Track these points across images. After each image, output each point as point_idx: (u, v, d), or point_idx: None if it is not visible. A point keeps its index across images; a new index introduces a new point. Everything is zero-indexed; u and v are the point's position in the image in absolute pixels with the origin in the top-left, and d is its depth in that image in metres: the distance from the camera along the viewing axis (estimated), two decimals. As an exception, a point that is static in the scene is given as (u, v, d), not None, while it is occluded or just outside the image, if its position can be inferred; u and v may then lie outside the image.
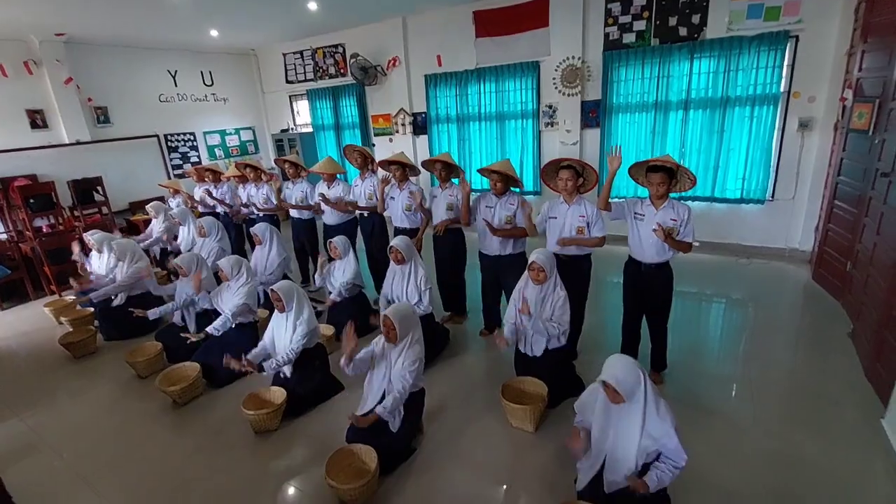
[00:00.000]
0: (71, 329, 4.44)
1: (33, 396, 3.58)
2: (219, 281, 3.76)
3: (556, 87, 6.05)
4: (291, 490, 2.52)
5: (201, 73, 8.29)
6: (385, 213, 4.32)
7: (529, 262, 2.90)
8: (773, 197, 5.21)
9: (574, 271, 3.18)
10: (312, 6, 5.86)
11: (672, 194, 2.85)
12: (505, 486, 2.45)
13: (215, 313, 3.71)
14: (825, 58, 4.60)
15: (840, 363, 3.28)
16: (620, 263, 3.14)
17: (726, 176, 5.35)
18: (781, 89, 4.85)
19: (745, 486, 2.31)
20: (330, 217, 4.68)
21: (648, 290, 2.99)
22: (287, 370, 3.12)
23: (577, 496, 2.16)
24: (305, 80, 8.38)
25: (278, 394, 3.03)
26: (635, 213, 2.91)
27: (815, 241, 4.82)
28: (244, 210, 5.46)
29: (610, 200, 3.00)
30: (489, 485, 2.46)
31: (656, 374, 3.17)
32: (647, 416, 1.94)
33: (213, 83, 8.46)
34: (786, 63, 4.78)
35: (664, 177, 2.72)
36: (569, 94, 5.98)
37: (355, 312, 4.04)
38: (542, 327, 2.85)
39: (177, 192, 6.05)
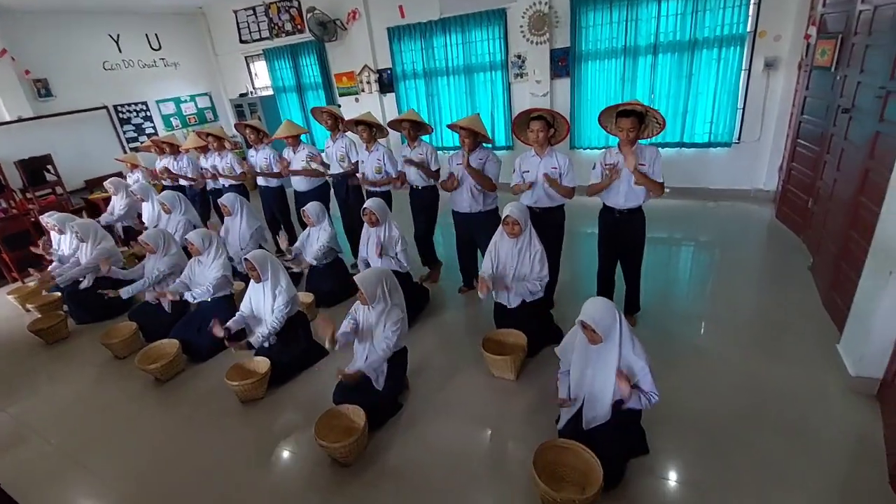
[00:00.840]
0: (39, 315, 4.30)
1: (11, 385, 3.50)
2: (189, 255, 3.67)
3: (523, 36, 5.87)
4: (285, 454, 2.58)
5: (147, 36, 7.70)
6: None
7: (503, 216, 2.91)
8: (739, 139, 5.29)
9: (548, 223, 3.22)
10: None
11: (642, 141, 2.86)
12: (490, 431, 2.56)
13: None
14: (790, -7, 4.57)
15: (800, 295, 3.46)
16: (593, 214, 3.19)
17: (695, 120, 5.39)
18: (748, 29, 4.83)
19: (713, 411, 2.48)
20: (300, 183, 4.54)
21: (622, 235, 3.05)
22: (271, 339, 3.12)
23: (558, 434, 2.29)
24: (261, 39, 7.90)
25: (262, 364, 3.04)
26: (606, 164, 2.92)
27: (778, 181, 4.97)
28: (209, 183, 5.25)
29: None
30: (475, 432, 2.57)
31: (630, 316, 3.29)
32: (622, 354, 2.04)
33: (160, 47, 7.89)
34: (752, 2, 4.73)
35: (634, 122, 2.71)
36: (537, 43, 5.82)
37: (333, 278, 4.04)
38: (525, 290, 2.91)
39: (135, 166, 5.76)
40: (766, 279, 3.84)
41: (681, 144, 5.51)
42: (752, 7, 4.76)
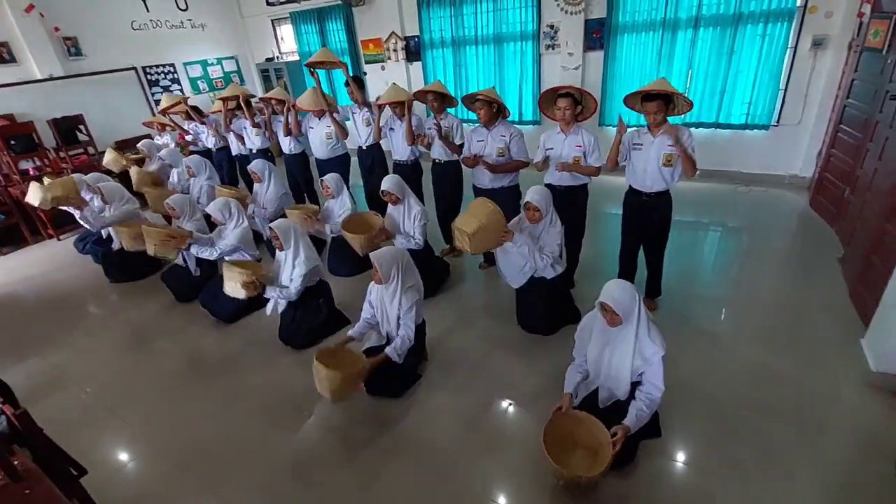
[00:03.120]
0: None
1: (50, 336, 3.71)
2: (212, 226, 3.75)
3: (557, 5, 5.64)
4: (306, 420, 2.69)
5: (173, -5, 7.65)
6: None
7: (524, 201, 2.88)
8: (778, 122, 5.08)
9: (570, 202, 3.20)
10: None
11: (672, 118, 2.78)
12: (506, 404, 2.64)
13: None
14: (847, -34, 4.26)
15: (827, 286, 3.39)
16: (617, 195, 3.14)
17: (732, 100, 5.17)
18: (798, 3, 4.55)
19: (729, 399, 2.50)
20: (320, 150, 4.54)
21: (647, 219, 3.00)
22: (282, 305, 3.18)
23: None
24: (288, 2, 7.77)
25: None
26: (633, 144, 2.87)
27: (815, 168, 4.78)
28: (234, 148, 5.28)
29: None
30: (491, 404, 2.64)
31: (651, 300, 3.28)
32: (639, 337, 2.05)
33: (187, 7, 7.83)
34: (805, -27, 4.45)
35: (660, 105, 2.65)
36: (571, 13, 5.59)
37: (353, 250, 4.09)
38: (533, 257, 2.84)
39: (163, 127, 5.81)
40: (794, 269, 3.76)
41: (716, 125, 5.31)
42: (804, -21, 4.48)
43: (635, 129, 2.90)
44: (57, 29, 6.43)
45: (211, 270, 3.96)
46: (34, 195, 4.24)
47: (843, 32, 4.43)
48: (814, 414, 2.38)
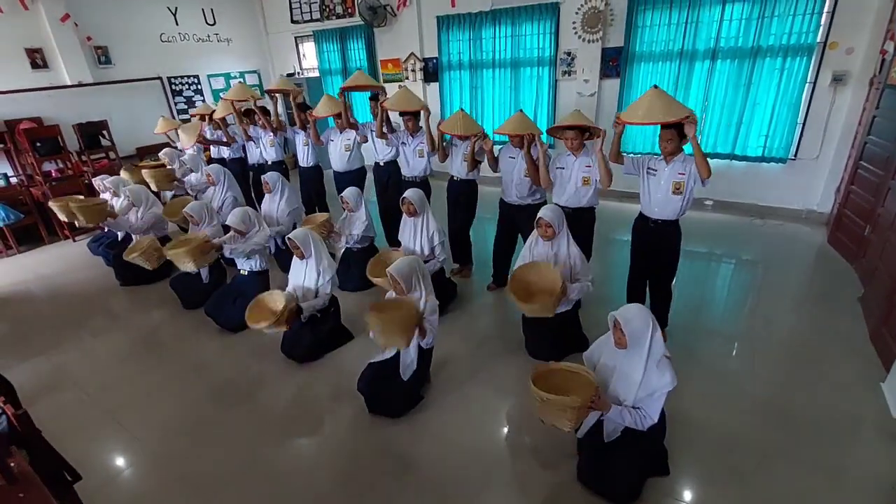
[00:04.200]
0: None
1: (56, 336, 3.72)
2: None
3: (575, 32, 5.72)
4: (303, 436, 2.65)
5: (203, 10, 7.90)
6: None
7: (536, 218, 2.88)
8: (795, 156, 5.03)
9: (578, 224, 3.20)
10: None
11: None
12: (506, 431, 2.57)
13: (227, 261, 3.76)
14: (869, 5, 4.26)
15: (846, 326, 3.29)
16: (627, 221, 3.11)
17: (749, 133, 5.14)
18: (818, 39, 4.55)
19: (741, 440, 2.40)
20: (338, 163, 4.60)
21: (655, 246, 3.00)
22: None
23: (578, 442, 2.27)
24: (311, 21, 7.99)
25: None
26: (648, 168, 2.91)
27: (834, 203, 4.70)
28: (252, 157, 5.35)
29: (625, 154, 2.97)
30: (491, 431, 2.58)
31: (661, 331, 3.20)
32: (647, 369, 1.98)
33: (215, 22, 8.09)
34: (826, 10, 4.45)
35: (673, 133, 2.68)
36: (589, 41, 5.66)
37: (366, 262, 4.08)
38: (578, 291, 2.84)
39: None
40: (810, 306, 3.67)
41: (731, 157, 5.27)
42: (824, 16, 4.48)
43: (653, 155, 2.94)
44: (89, 38, 6.66)
45: (219, 279, 3.97)
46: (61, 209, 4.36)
47: (864, 68, 4.41)
48: (831, 462, 2.27)
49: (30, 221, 5.61)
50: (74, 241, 5.76)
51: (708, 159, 2.70)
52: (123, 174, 5.48)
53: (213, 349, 3.45)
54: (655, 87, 2.73)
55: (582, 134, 3.12)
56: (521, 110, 3.51)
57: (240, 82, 5.96)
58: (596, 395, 1.97)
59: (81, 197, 4.77)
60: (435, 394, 2.85)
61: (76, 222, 4.39)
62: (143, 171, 4.93)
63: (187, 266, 3.56)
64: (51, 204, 4.51)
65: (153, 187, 4.96)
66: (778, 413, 2.57)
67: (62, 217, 4.53)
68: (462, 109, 3.79)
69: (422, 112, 3.86)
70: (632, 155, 3.01)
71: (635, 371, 2.00)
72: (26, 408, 1.63)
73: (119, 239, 4.72)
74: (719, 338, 3.26)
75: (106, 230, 4.75)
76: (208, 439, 2.63)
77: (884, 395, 2.57)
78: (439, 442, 2.51)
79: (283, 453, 2.51)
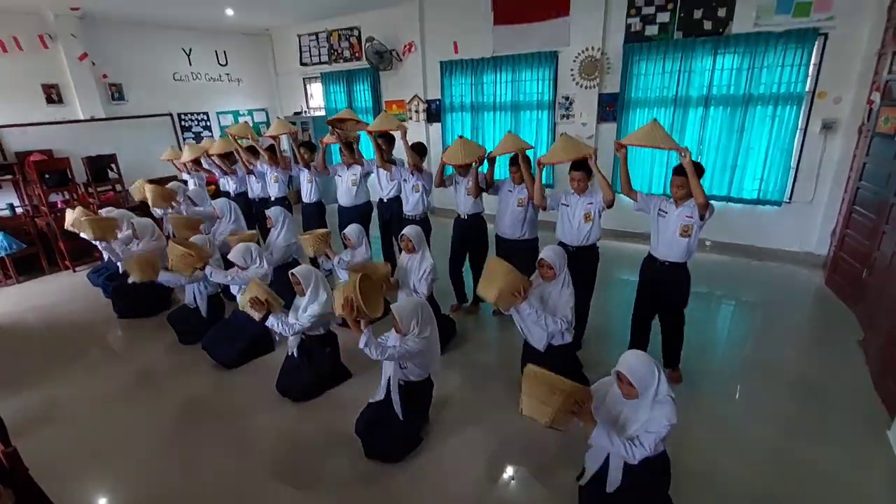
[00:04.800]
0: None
1: (49, 368, 3.66)
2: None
3: (573, 79, 5.96)
4: (302, 475, 2.57)
5: (216, 52, 8.25)
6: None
7: (538, 259, 2.89)
8: (790, 199, 5.12)
9: (581, 262, 3.22)
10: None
11: None
12: (507, 477, 2.49)
13: (227, 295, 3.75)
14: (854, 58, 4.46)
15: (848, 371, 3.25)
16: (633, 262, 3.13)
17: (744, 176, 5.26)
18: (806, 89, 4.74)
19: (745, 486, 2.34)
20: (345, 197, 4.68)
21: (661, 286, 3.03)
22: (293, 346, 3.18)
23: (579, 491, 2.20)
24: (320, 63, 8.32)
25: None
26: (660, 210, 2.98)
27: (830, 246, 4.75)
28: (252, 191, 5.43)
29: (641, 192, 3.06)
30: (492, 477, 2.50)
31: (673, 371, 3.18)
32: (653, 414, 1.93)
33: (227, 63, 8.42)
34: (812, 62, 4.66)
35: (683, 180, 2.77)
36: (586, 87, 5.88)
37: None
38: (544, 323, 2.80)
39: (186, 165, 5.89)
40: (811, 349, 3.64)
41: (727, 199, 5.37)
42: (811, 67, 4.68)
43: (666, 197, 3.02)
44: (105, 76, 6.92)
45: (217, 315, 3.95)
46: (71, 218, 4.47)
47: (853, 117, 4.57)
48: (841, 512, 2.20)
49: (32, 251, 5.63)
50: (75, 271, 5.76)
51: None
52: (134, 186, 5.52)
53: (208, 385, 3.39)
54: (655, 120, 2.92)
55: (588, 176, 3.21)
56: (509, 131, 3.72)
57: (246, 121, 6.13)
58: (589, 401, 1.94)
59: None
60: (435, 435, 2.78)
61: (83, 233, 4.41)
62: (147, 185, 4.91)
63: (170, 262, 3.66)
64: (67, 213, 4.67)
65: (150, 202, 4.97)
66: (782, 461, 2.50)
67: (69, 225, 4.59)
68: (462, 136, 3.91)
69: (398, 132, 4.07)
70: (645, 194, 3.10)
71: (640, 418, 1.97)
72: (14, 444, 1.60)
73: (119, 271, 4.72)
74: (722, 380, 3.22)
75: (106, 260, 4.74)
76: (196, 484, 2.54)
77: (890, 444, 2.51)
78: (441, 489, 2.43)
79: (276, 494, 2.42)
